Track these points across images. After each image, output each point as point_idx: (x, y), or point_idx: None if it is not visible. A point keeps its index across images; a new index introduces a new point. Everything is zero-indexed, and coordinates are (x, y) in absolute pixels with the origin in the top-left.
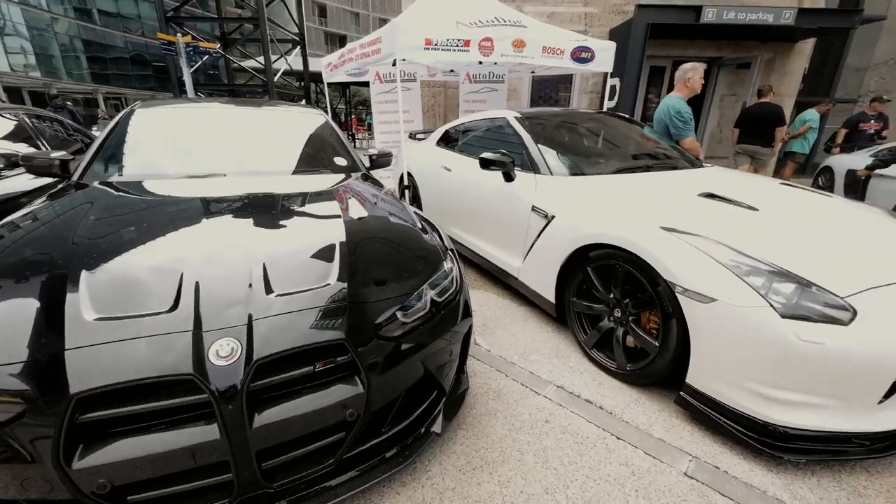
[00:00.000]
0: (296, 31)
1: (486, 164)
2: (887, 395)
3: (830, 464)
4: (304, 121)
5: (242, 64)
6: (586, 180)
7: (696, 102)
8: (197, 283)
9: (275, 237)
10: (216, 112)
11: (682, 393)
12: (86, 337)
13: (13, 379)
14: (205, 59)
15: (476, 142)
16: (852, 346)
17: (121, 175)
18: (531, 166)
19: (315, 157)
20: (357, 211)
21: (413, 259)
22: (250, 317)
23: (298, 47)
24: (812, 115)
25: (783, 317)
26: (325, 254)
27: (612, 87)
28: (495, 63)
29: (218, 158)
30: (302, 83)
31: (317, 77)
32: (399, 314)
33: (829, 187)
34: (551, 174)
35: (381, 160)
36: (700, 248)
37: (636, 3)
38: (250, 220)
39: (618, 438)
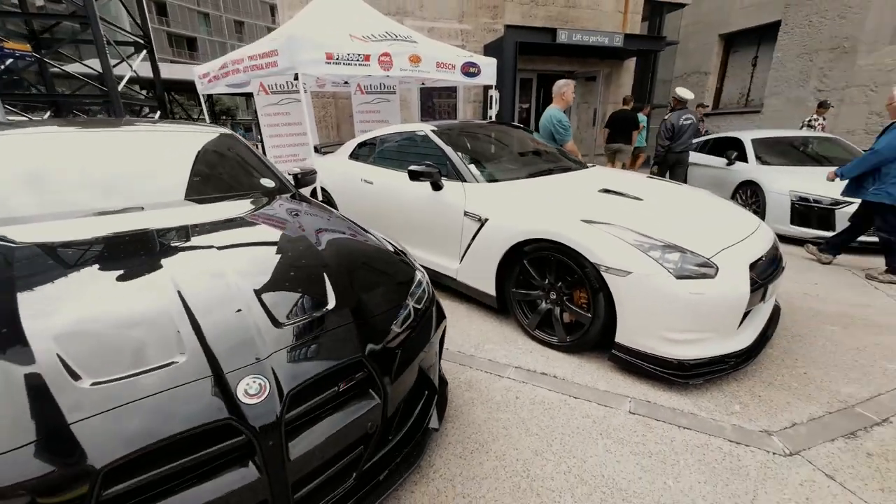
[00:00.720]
0: (136, 31)
1: (415, 175)
2: (741, 323)
3: (715, 380)
4: (215, 142)
5: (70, 69)
6: (508, 185)
7: None
8: (197, 326)
9: (250, 268)
10: (105, 137)
11: (613, 351)
12: (90, 405)
13: (19, 468)
14: (8, 62)
15: (395, 155)
16: (719, 291)
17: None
18: (457, 176)
19: (241, 180)
20: (317, 233)
21: (392, 274)
22: (268, 351)
23: (144, 51)
24: (642, 117)
25: (677, 278)
26: (311, 279)
27: (492, 97)
28: (387, 76)
29: (128, 190)
30: (147, 91)
31: (169, 85)
32: (394, 326)
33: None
34: (477, 182)
35: (308, 178)
36: (613, 234)
37: (505, 24)
38: (212, 254)
39: (575, 398)
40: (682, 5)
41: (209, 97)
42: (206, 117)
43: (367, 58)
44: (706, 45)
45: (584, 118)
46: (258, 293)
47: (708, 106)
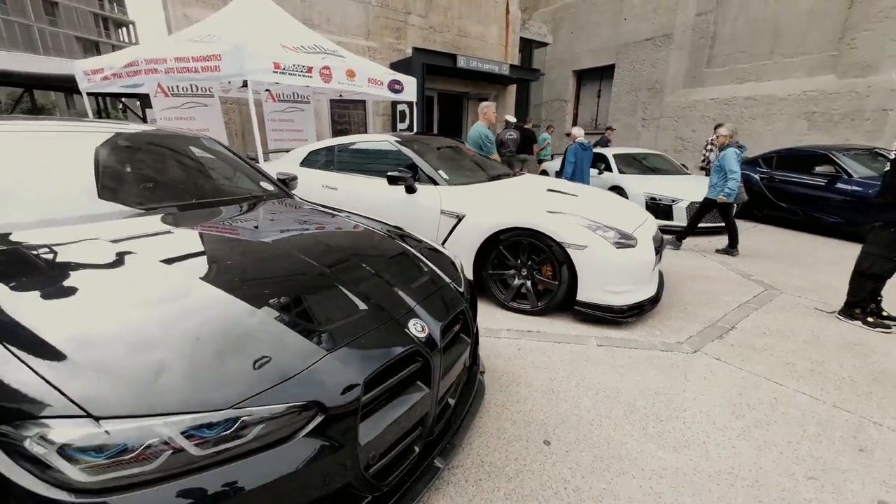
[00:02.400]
0: None
1: (393, 180)
2: (651, 278)
3: (639, 319)
4: (198, 146)
5: None
6: (475, 187)
7: (456, 126)
8: (362, 292)
9: (358, 255)
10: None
11: (575, 307)
12: (345, 339)
13: (319, 377)
14: None
15: (357, 163)
16: (639, 256)
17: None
18: (429, 180)
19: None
20: (376, 228)
21: (446, 259)
22: (412, 304)
23: None
24: (546, 135)
25: (616, 248)
26: (403, 258)
27: (402, 112)
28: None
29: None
30: None
31: None
32: (463, 289)
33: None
34: (448, 185)
35: (292, 183)
36: (572, 220)
37: (413, 47)
38: (315, 244)
39: (557, 343)
40: (546, 44)
41: (27, 92)
42: (89, 114)
43: (309, 70)
44: (564, 77)
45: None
46: (380, 272)
47: (615, 129)
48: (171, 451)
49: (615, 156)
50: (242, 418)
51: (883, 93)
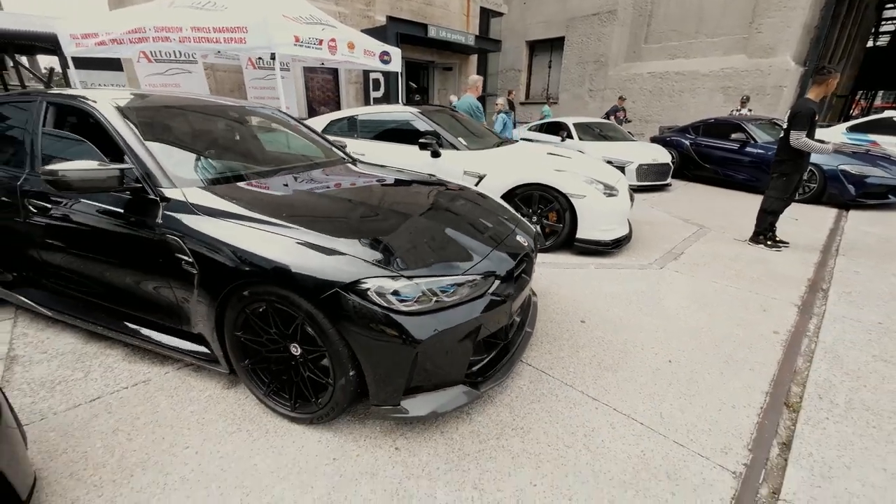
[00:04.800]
0: None
1: (423, 146)
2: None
3: (619, 250)
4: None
5: None
6: (490, 151)
7: (421, 94)
8: (485, 219)
9: (465, 199)
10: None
11: (576, 243)
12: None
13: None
14: None
15: (380, 130)
16: (620, 203)
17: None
18: (450, 146)
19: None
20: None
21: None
22: (514, 227)
23: None
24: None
25: (606, 196)
26: (497, 204)
27: (376, 80)
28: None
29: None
30: None
31: None
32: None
33: None
34: (467, 150)
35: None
36: (574, 175)
37: (387, 15)
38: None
39: (566, 269)
40: (501, 14)
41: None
42: (76, 83)
43: (320, 42)
44: (517, 48)
45: (445, 103)
46: (485, 208)
47: (626, 99)
48: (435, 298)
49: (575, 124)
50: (465, 283)
51: (780, 72)
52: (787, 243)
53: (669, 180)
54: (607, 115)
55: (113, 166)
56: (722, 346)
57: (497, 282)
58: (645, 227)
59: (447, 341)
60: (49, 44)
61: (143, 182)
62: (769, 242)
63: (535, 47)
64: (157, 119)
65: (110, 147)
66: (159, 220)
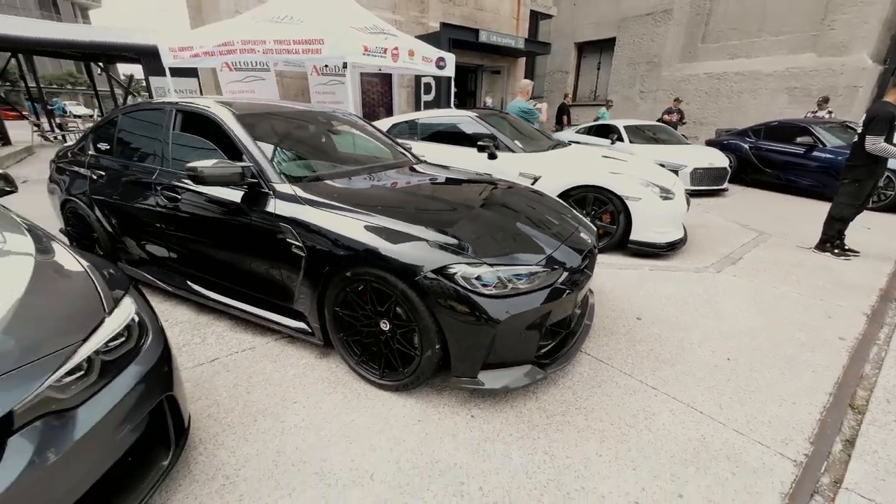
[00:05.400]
0: None
1: (481, 148)
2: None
3: (674, 253)
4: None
5: None
6: (544, 154)
7: (470, 97)
8: (550, 217)
9: (529, 198)
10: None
11: (629, 245)
12: (556, 243)
13: (559, 261)
14: None
15: (440, 133)
16: (676, 206)
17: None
18: (507, 148)
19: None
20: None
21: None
22: (577, 226)
23: None
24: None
25: (662, 200)
26: (560, 205)
27: (427, 84)
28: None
29: None
30: None
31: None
32: None
33: None
34: (523, 152)
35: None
36: (630, 178)
37: (440, 21)
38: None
39: (620, 269)
40: (550, 16)
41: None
42: (171, 91)
43: (385, 51)
44: (565, 49)
45: (494, 105)
46: (548, 206)
47: (682, 101)
48: (511, 285)
49: (625, 127)
50: (537, 272)
51: (855, 71)
52: (858, 252)
53: (726, 185)
54: (662, 118)
55: (237, 164)
56: (782, 348)
57: (565, 274)
58: (700, 231)
59: (521, 324)
60: (132, 53)
61: (258, 177)
62: (836, 251)
63: (584, 49)
64: (264, 124)
65: (228, 148)
66: (272, 210)
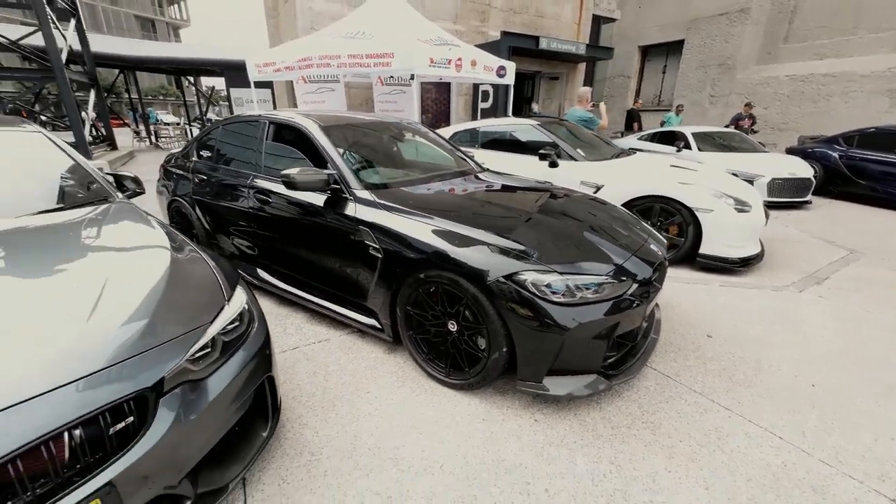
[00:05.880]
0: None
1: (543, 156)
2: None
3: (751, 269)
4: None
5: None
6: (607, 163)
7: (530, 102)
8: (617, 226)
9: (597, 208)
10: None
11: (698, 258)
12: (626, 254)
13: (629, 272)
14: None
15: (501, 142)
16: (754, 219)
17: None
18: (568, 157)
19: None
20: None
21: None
22: (646, 238)
23: (72, 20)
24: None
25: (737, 212)
26: (628, 216)
27: (485, 92)
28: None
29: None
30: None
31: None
32: None
33: None
34: (585, 160)
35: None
36: (701, 189)
37: (501, 30)
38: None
39: (687, 284)
40: (614, 20)
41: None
42: (255, 104)
43: (449, 62)
44: (628, 53)
45: (548, 112)
46: (615, 217)
47: (753, 106)
48: (580, 294)
49: (694, 134)
50: (606, 283)
51: None
52: None
53: (809, 197)
54: (730, 124)
55: (322, 172)
56: (878, 376)
57: (635, 285)
58: (779, 246)
59: (588, 333)
60: (217, 68)
61: (340, 183)
62: None
63: (649, 52)
64: (345, 134)
65: (313, 156)
66: (352, 214)
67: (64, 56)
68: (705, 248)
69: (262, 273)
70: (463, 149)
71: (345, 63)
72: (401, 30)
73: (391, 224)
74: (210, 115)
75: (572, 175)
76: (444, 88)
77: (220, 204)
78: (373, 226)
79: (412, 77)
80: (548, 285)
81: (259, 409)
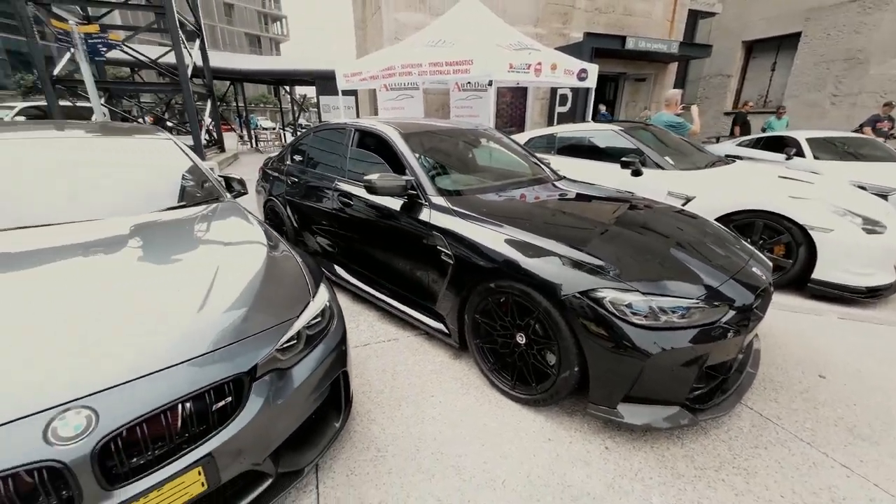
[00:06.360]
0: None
1: (625, 164)
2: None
3: (881, 301)
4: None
5: (142, 57)
6: (700, 172)
7: (612, 106)
8: (714, 245)
9: (689, 224)
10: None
11: (810, 284)
12: (723, 276)
13: (725, 297)
14: (104, 51)
15: (580, 148)
16: (885, 242)
17: None
18: (655, 165)
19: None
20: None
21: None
22: (748, 259)
23: (197, 40)
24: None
25: (866, 232)
26: (723, 232)
27: (563, 96)
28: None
29: None
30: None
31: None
32: None
33: None
34: (674, 169)
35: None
36: (819, 205)
37: (584, 32)
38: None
39: (794, 313)
40: (713, 14)
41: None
42: (357, 111)
43: (528, 66)
44: (729, 49)
45: (632, 114)
46: (707, 232)
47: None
48: (665, 317)
49: (809, 140)
50: (697, 307)
51: None
52: None
53: None
54: (861, 128)
55: (401, 178)
56: None
57: (731, 313)
58: None
59: (673, 361)
60: (310, 77)
61: (417, 189)
62: None
63: (754, 48)
64: (423, 141)
65: (392, 161)
66: (427, 220)
67: (189, 71)
68: (820, 273)
69: (339, 270)
70: (538, 155)
71: (425, 71)
72: (480, 36)
73: (464, 231)
74: (301, 120)
75: (659, 185)
76: (519, 92)
77: (307, 204)
78: (446, 232)
79: (490, 83)
80: (628, 305)
81: (333, 400)
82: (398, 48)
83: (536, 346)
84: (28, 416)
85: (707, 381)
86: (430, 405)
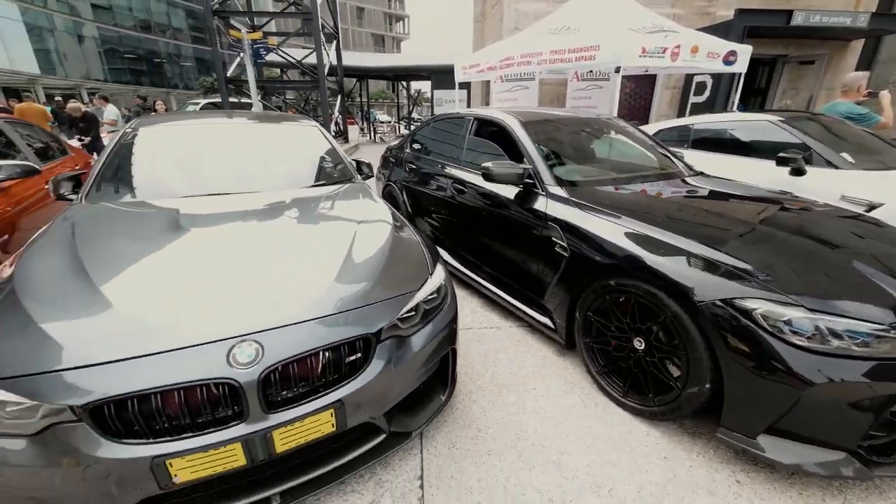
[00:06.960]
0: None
1: (782, 161)
2: None
3: None
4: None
5: (290, 59)
6: (890, 174)
7: (762, 95)
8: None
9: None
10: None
11: None
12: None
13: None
14: (264, 54)
15: (721, 142)
16: None
17: None
18: (826, 163)
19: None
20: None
21: None
22: None
23: (334, 42)
24: None
25: None
26: None
27: (701, 84)
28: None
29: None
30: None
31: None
32: None
33: None
34: (855, 169)
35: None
36: None
37: (736, 8)
38: None
39: None
40: None
41: (360, 81)
42: (467, 103)
43: (664, 50)
44: None
45: (793, 106)
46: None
47: None
48: (838, 342)
49: None
50: (885, 336)
51: None
52: None
53: None
54: None
55: (518, 166)
56: None
57: None
58: None
59: (844, 396)
60: (426, 73)
61: (534, 178)
62: None
63: None
64: (543, 130)
65: (510, 150)
66: (543, 210)
67: (326, 70)
68: None
69: (447, 255)
70: (672, 149)
71: (545, 60)
72: (609, 20)
73: (582, 223)
74: (414, 114)
75: (829, 187)
76: (644, 81)
77: (421, 190)
78: (562, 223)
79: (617, 70)
80: (787, 321)
81: (440, 375)
82: (519, 37)
83: (658, 354)
84: (219, 340)
85: (891, 430)
86: (531, 397)
